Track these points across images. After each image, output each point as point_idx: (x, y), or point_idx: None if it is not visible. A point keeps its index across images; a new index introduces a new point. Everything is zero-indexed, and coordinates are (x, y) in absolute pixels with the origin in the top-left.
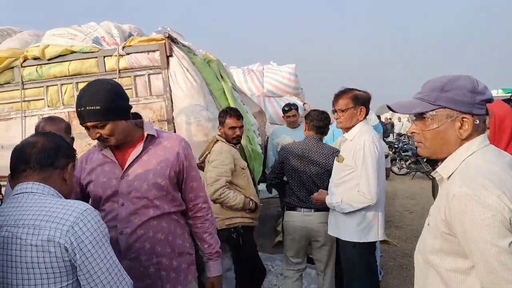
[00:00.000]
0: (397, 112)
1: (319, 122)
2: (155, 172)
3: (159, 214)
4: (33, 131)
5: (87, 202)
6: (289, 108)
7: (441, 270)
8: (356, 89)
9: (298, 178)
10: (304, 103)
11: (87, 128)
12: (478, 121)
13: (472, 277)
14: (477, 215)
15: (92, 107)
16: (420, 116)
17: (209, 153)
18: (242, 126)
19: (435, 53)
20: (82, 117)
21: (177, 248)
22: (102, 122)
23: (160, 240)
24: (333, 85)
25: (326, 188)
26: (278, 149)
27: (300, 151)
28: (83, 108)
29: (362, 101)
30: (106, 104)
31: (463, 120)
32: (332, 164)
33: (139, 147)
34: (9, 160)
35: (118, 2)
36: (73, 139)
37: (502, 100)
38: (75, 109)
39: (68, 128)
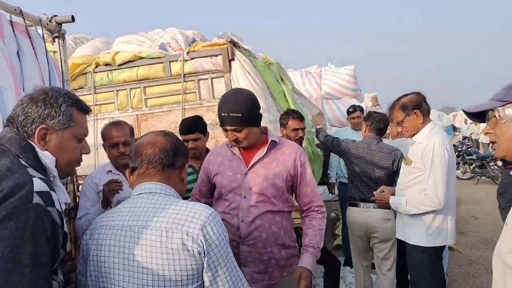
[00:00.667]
0: (468, 115)
1: (380, 124)
2: (274, 173)
3: (275, 210)
4: None
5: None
6: (353, 109)
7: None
8: (403, 96)
9: (357, 176)
10: (377, 104)
11: (225, 130)
12: None
13: None
14: None
15: (235, 114)
16: (490, 116)
17: None
18: (304, 128)
19: None
20: (224, 122)
21: (287, 241)
22: (240, 127)
23: (274, 232)
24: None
25: (386, 184)
26: None
27: (361, 150)
28: (226, 114)
29: (412, 106)
30: (246, 112)
31: None
32: (391, 162)
33: (264, 150)
34: (128, 158)
35: (179, 10)
36: (135, 140)
37: None
38: (142, 113)
39: (132, 131)
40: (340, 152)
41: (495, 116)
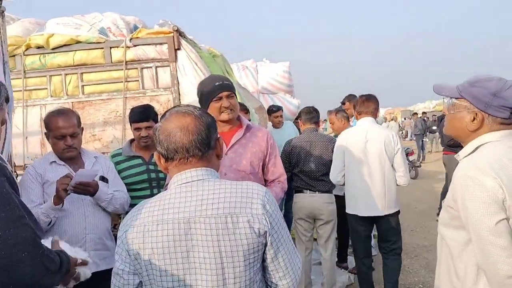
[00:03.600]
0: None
1: (308, 114)
2: (251, 152)
3: None
4: (34, 121)
5: None
6: (277, 109)
7: (448, 241)
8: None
9: (302, 165)
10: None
11: (220, 99)
12: (490, 119)
13: (470, 247)
14: (475, 194)
15: (227, 82)
16: (448, 100)
17: None
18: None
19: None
20: (221, 89)
21: None
22: (233, 93)
23: None
24: (323, 83)
25: (326, 171)
26: None
27: (303, 142)
28: (221, 82)
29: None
30: (231, 83)
31: (476, 115)
32: (331, 149)
33: (241, 132)
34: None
35: None
36: (82, 129)
37: None
38: (78, 100)
39: (79, 120)
40: (291, 155)
41: (451, 102)
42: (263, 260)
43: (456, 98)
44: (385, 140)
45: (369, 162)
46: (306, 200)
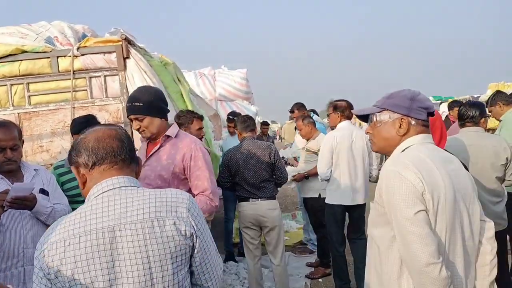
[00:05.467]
0: (357, 117)
1: (243, 123)
2: (162, 166)
3: None
4: None
5: None
6: (233, 117)
7: (376, 239)
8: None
9: (243, 174)
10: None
11: (130, 120)
12: (414, 122)
13: (395, 243)
14: (397, 186)
15: (136, 103)
16: (371, 118)
17: None
18: (203, 128)
19: (373, 58)
20: (127, 111)
21: None
22: (141, 116)
23: None
24: (282, 89)
25: (268, 177)
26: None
27: (241, 152)
28: (129, 104)
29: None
30: (147, 102)
31: (401, 121)
32: (268, 156)
33: (157, 145)
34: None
35: (67, 2)
36: (23, 142)
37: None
38: (25, 111)
39: (20, 133)
40: (230, 165)
41: (373, 119)
42: (190, 265)
43: (378, 112)
44: (366, 139)
45: (355, 158)
46: (250, 208)
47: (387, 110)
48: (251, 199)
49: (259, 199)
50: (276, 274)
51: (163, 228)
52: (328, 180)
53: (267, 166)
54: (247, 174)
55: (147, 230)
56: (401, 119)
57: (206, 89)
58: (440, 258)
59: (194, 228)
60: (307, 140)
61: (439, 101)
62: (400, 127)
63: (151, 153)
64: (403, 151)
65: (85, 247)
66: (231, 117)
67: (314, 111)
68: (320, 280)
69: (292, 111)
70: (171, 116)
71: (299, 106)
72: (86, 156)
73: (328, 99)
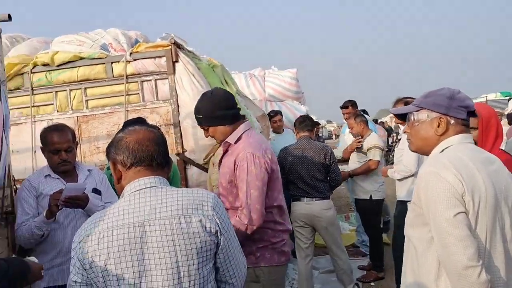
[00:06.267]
0: (395, 116)
1: (302, 123)
2: (222, 173)
3: (228, 207)
4: None
5: None
6: (274, 114)
7: (413, 240)
8: None
9: (298, 172)
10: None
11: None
12: (453, 122)
13: (433, 245)
14: (436, 187)
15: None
16: (409, 117)
17: (213, 155)
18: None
19: (434, 60)
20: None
21: None
22: (205, 127)
23: None
24: (334, 90)
25: (322, 178)
26: None
27: (296, 150)
28: (195, 116)
29: None
30: (204, 113)
31: (440, 120)
32: (323, 157)
33: (220, 151)
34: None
35: (124, 10)
36: (77, 144)
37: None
38: (83, 114)
39: (74, 135)
40: (284, 162)
41: (410, 118)
42: (215, 261)
43: (416, 111)
44: None
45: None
46: (304, 207)
47: (425, 109)
48: (305, 198)
49: (314, 199)
50: (344, 271)
51: (190, 224)
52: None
53: (321, 166)
54: (301, 173)
55: (175, 226)
56: (440, 118)
57: (256, 90)
58: (480, 261)
59: (218, 226)
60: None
61: (508, 97)
62: (438, 126)
63: (217, 161)
64: (442, 151)
65: (117, 240)
66: (272, 114)
67: (365, 111)
68: (373, 284)
69: (345, 107)
70: None
71: (353, 102)
72: (126, 156)
73: (385, 100)
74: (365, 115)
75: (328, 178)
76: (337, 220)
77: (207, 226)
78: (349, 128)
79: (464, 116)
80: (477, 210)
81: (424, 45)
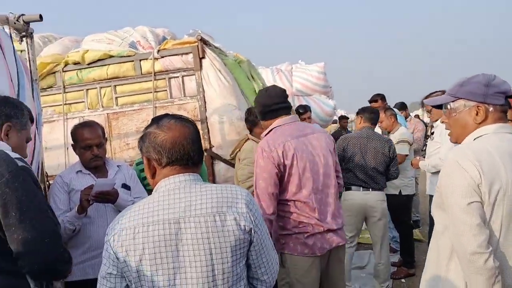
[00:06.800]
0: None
1: (372, 115)
2: None
3: None
4: None
5: None
6: (304, 110)
7: (437, 219)
8: None
9: (359, 161)
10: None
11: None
12: (492, 109)
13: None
14: (454, 175)
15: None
16: (446, 108)
17: (239, 150)
18: None
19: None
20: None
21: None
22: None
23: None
24: (362, 83)
25: (382, 170)
26: None
27: (362, 140)
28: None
29: None
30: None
31: (478, 108)
32: (387, 150)
33: None
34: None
35: (150, 8)
36: (106, 140)
37: None
38: (113, 111)
39: (103, 131)
40: (345, 150)
41: (448, 108)
42: (248, 258)
43: (452, 101)
44: None
45: None
46: (360, 197)
47: (462, 98)
48: (362, 188)
49: (370, 189)
50: (380, 271)
51: (224, 222)
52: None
53: (384, 159)
54: (363, 162)
55: (210, 223)
56: (478, 106)
57: (283, 84)
58: (489, 248)
59: (252, 224)
60: (388, 133)
61: None
62: (477, 114)
63: None
64: (475, 139)
65: (152, 236)
66: (301, 110)
67: (404, 105)
68: (403, 280)
69: (374, 101)
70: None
71: (382, 96)
72: (160, 155)
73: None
74: (394, 109)
75: (389, 171)
76: (387, 215)
77: (241, 224)
78: (379, 122)
79: (502, 101)
80: (494, 201)
81: (459, 33)
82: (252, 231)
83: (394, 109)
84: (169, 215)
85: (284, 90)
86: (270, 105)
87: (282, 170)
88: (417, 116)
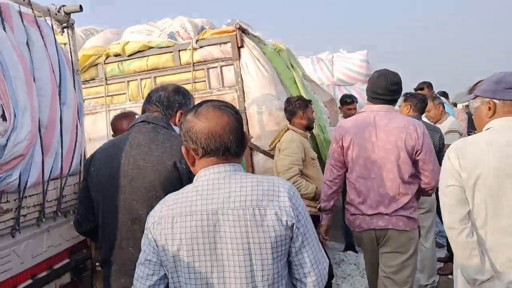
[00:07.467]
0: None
1: (421, 104)
2: None
3: None
4: None
5: None
6: (351, 100)
7: None
8: None
9: None
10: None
11: None
12: (500, 103)
13: None
14: (443, 162)
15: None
16: (470, 106)
17: (279, 141)
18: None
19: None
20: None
21: None
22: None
23: None
24: (406, 71)
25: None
26: None
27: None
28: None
29: None
30: None
31: (489, 104)
32: (438, 139)
33: None
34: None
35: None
36: None
37: None
38: None
39: None
40: None
41: (470, 107)
42: (288, 254)
43: (473, 99)
44: None
45: None
46: None
47: (479, 96)
48: None
49: None
50: (425, 257)
51: (264, 217)
52: None
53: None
54: None
55: (249, 217)
56: (488, 102)
57: (323, 74)
58: (463, 225)
59: (295, 219)
60: (435, 123)
61: None
62: (489, 110)
63: None
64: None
65: (190, 227)
66: (348, 100)
67: (445, 94)
68: (450, 276)
69: (420, 89)
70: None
71: (428, 84)
72: (197, 147)
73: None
74: (441, 98)
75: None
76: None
77: (283, 219)
78: (426, 111)
79: (511, 96)
80: (474, 185)
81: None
82: (295, 227)
83: (442, 98)
84: (207, 205)
85: (397, 83)
86: (375, 91)
87: (340, 150)
88: (466, 107)
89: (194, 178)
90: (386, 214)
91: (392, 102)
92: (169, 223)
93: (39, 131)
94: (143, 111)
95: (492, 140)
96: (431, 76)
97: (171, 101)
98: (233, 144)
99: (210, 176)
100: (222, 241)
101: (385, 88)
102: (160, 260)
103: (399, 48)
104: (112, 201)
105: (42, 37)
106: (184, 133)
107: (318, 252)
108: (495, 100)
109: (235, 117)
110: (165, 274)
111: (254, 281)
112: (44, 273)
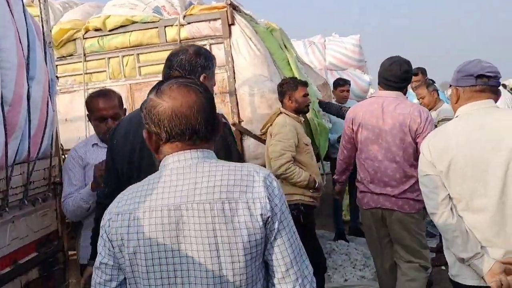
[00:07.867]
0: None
1: (431, 85)
2: None
3: None
4: None
5: None
6: (344, 83)
7: None
8: None
9: None
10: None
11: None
12: (461, 90)
13: None
14: (421, 153)
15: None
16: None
17: (270, 125)
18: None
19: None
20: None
21: None
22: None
23: None
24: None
25: None
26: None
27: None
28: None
29: None
30: None
31: (453, 91)
32: None
33: None
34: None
35: None
36: (125, 110)
37: None
38: (136, 82)
39: (120, 100)
40: None
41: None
42: (265, 255)
43: (449, 88)
44: None
45: None
46: None
47: (451, 86)
48: None
49: None
50: None
51: (235, 211)
52: None
53: None
54: None
55: (217, 212)
56: (453, 90)
57: (315, 58)
58: (442, 209)
59: (271, 212)
60: (429, 110)
61: None
62: (455, 97)
63: None
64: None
65: (149, 225)
66: (341, 82)
67: (432, 81)
68: (443, 267)
69: (415, 74)
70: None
71: (423, 70)
72: (160, 130)
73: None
74: (436, 85)
75: None
76: None
77: (257, 213)
78: (419, 98)
79: (471, 82)
80: (447, 172)
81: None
82: (270, 220)
83: (435, 84)
84: (168, 199)
85: (408, 71)
86: (386, 78)
87: (351, 131)
88: None
89: (159, 167)
90: (393, 196)
91: (402, 89)
92: (126, 221)
93: (2, 108)
94: (164, 78)
95: (459, 126)
96: (421, 63)
97: (193, 65)
98: (202, 126)
99: (174, 165)
100: (186, 241)
101: (397, 76)
102: (118, 263)
103: (389, 33)
104: (136, 172)
105: (8, 2)
106: (144, 115)
107: (300, 250)
108: (458, 88)
109: (204, 95)
110: (125, 278)
111: None
112: (7, 269)
